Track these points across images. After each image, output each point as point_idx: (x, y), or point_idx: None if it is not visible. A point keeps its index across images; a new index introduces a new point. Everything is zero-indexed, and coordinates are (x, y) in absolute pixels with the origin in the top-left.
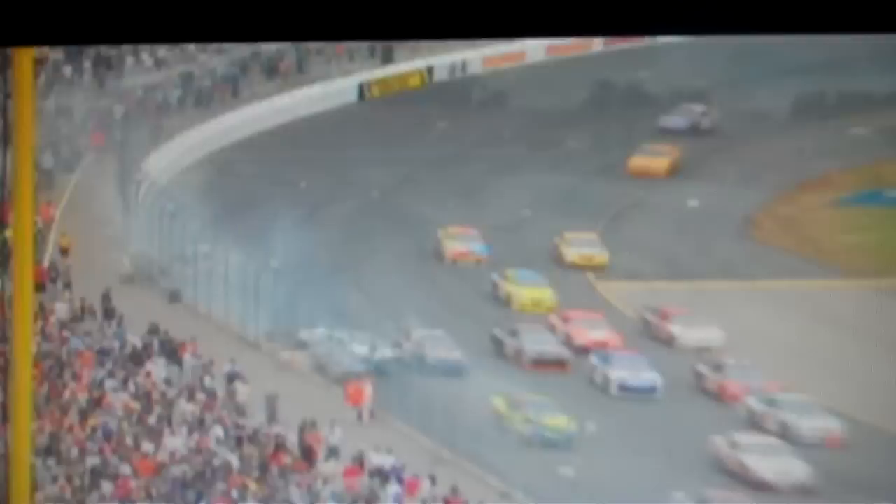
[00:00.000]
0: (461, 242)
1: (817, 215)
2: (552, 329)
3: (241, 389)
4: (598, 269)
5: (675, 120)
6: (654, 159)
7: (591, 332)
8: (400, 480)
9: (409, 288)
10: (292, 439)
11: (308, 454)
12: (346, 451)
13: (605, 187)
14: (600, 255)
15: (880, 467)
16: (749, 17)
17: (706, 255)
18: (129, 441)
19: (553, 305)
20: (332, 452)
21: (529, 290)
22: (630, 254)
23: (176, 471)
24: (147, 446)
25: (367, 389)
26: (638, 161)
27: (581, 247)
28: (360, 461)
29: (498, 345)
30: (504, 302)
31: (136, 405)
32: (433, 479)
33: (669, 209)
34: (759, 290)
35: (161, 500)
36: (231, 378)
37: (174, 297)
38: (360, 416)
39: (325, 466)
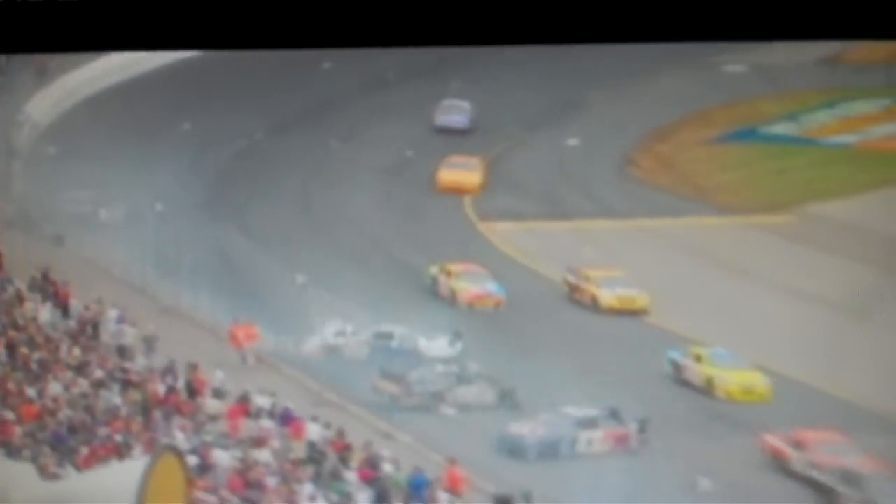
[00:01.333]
0: (472, 283)
1: (694, 153)
2: (777, 455)
3: (128, 332)
4: (640, 313)
5: (454, 119)
6: (464, 174)
7: (841, 458)
8: (286, 422)
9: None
10: (178, 383)
11: (193, 397)
12: (231, 394)
13: (487, 126)
14: (640, 296)
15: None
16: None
17: (586, 195)
18: (11, 386)
19: (766, 392)
20: (217, 394)
21: (736, 375)
22: (510, 192)
23: (60, 416)
24: (30, 391)
25: (251, 331)
26: (447, 176)
27: (615, 287)
28: (244, 402)
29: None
30: (703, 388)
31: (22, 350)
32: (327, 425)
33: (550, 148)
34: (639, 229)
35: (45, 446)
36: (116, 322)
37: (58, 240)
38: (244, 360)
39: (209, 408)
